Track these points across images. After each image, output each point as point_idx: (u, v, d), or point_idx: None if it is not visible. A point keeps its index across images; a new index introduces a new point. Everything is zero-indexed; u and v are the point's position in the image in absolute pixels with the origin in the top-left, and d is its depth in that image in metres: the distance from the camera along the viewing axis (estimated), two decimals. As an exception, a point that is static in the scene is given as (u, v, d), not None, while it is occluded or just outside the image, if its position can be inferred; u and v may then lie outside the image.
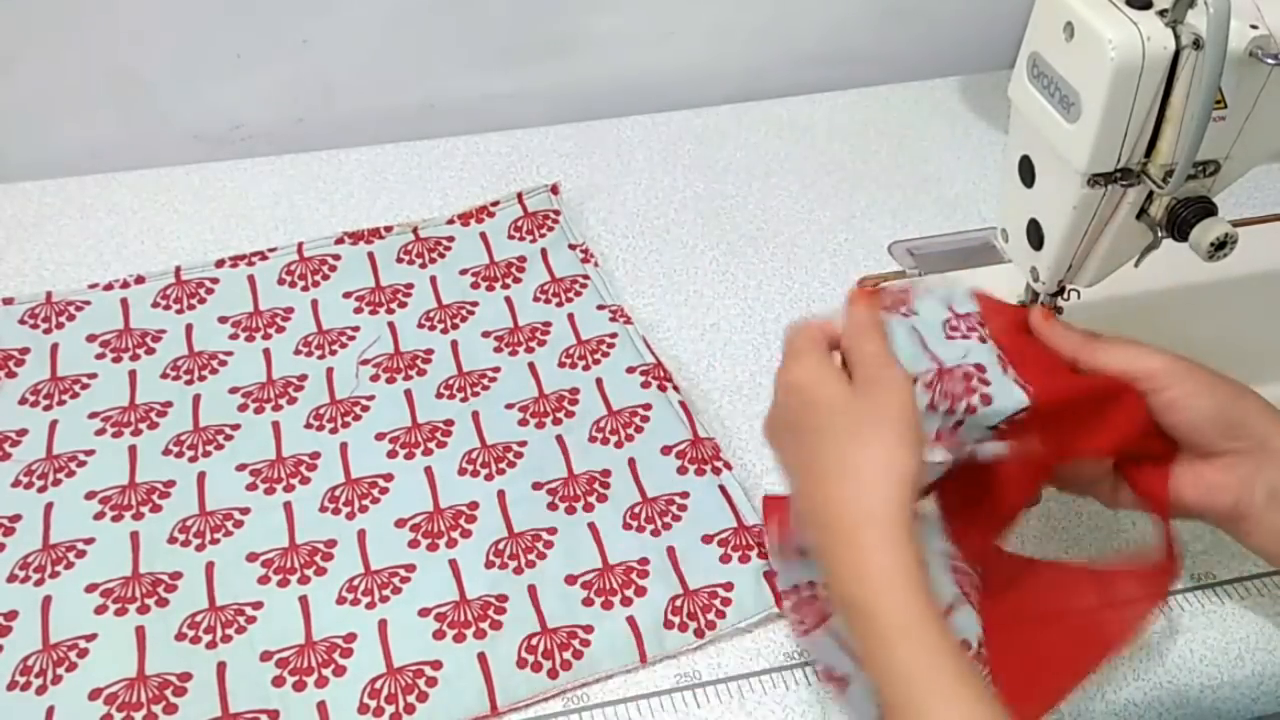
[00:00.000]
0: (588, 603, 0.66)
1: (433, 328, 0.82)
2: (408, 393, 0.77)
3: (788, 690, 0.63)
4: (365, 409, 0.76)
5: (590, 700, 0.63)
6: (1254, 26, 0.60)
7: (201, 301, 0.83)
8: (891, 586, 0.52)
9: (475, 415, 0.76)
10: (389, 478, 0.72)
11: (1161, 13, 0.60)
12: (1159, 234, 0.66)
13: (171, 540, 0.69)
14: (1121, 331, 0.81)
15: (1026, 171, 0.69)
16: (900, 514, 0.53)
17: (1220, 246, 0.64)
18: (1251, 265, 0.81)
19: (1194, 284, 0.83)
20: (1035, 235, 0.70)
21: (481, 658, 0.63)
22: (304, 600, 0.66)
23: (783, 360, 0.60)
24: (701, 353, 0.81)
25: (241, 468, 0.73)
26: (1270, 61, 0.59)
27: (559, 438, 0.74)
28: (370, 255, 0.87)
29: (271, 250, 0.87)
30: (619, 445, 0.74)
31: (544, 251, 0.87)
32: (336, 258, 0.87)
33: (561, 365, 0.79)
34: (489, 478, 0.72)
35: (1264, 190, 0.93)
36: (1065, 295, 0.74)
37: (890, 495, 0.53)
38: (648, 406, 0.75)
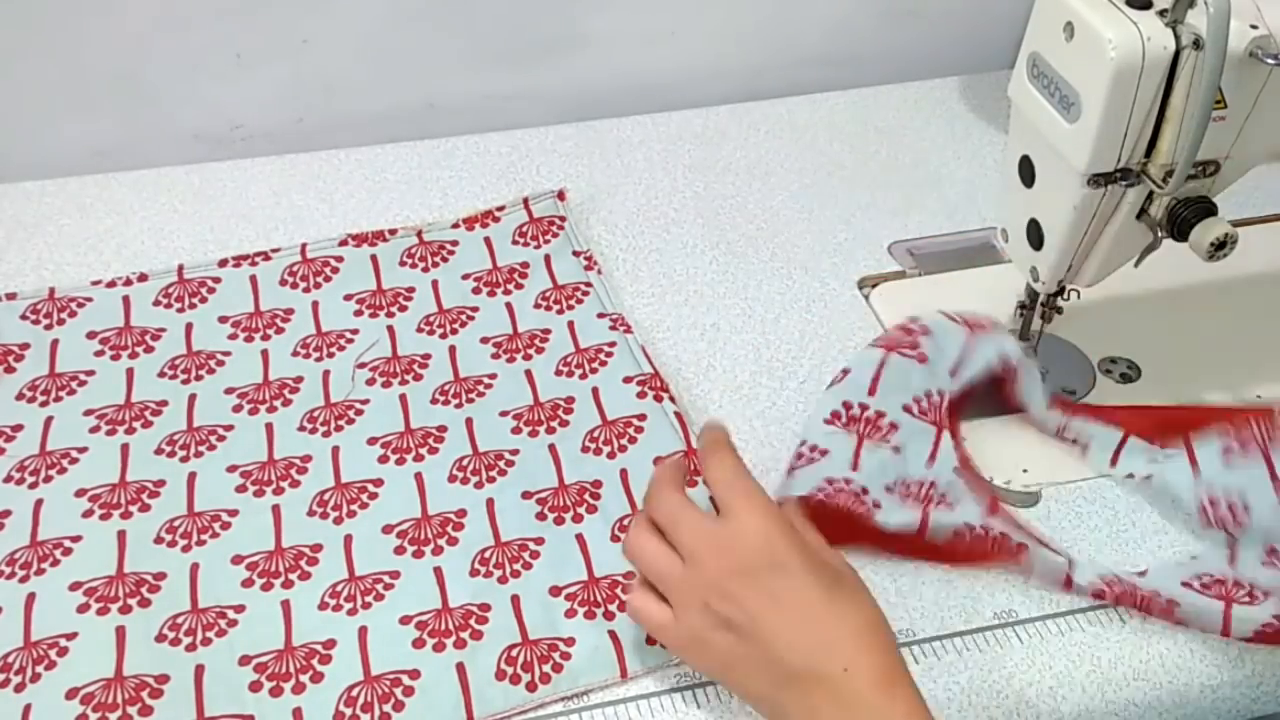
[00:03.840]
0: (570, 614, 0.65)
1: (431, 332, 0.82)
2: (402, 397, 0.77)
3: (787, 690, 0.63)
4: (359, 413, 0.76)
5: (590, 701, 0.63)
6: (1254, 26, 0.60)
7: (203, 301, 0.83)
8: None
9: (469, 422, 0.75)
10: (379, 483, 0.72)
11: (1161, 13, 0.60)
12: (1159, 234, 0.66)
13: (158, 540, 0.68)
14: (1121, 331, 0.81)
15: (1026, 171, 0.69)
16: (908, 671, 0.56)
17: (1220, 246, 0.64)
18: (1251, 265, 0.82)
19: (1194, 284, 0.83)
20: (1035, 235, 0.70)
21: (460, 668, 0.62)
22: (286, 605, 0.66)
23: (721, 499, 0.59)
24: (701, 353, 0.81)
25: (232, 469, 0.72)
26: (1270, 61, 0.59)
27: (551, 447, 0.74)
28: (373, 258, 0.87)
29: (275, 250, 0.87)
30: (611, 456, 0.73)
31: (547, 258, 0.87)
32: (339, 259, 0.87)
33: (559, 374, 0.79)
34: (479, 485, 0.72)
35: (1264, 190, 0.93)
36: (1065, 295, 0.74)
37: (898, 651, 0.56)
38: (642, 417, 0.75)
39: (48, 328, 0.81)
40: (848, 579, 0.58)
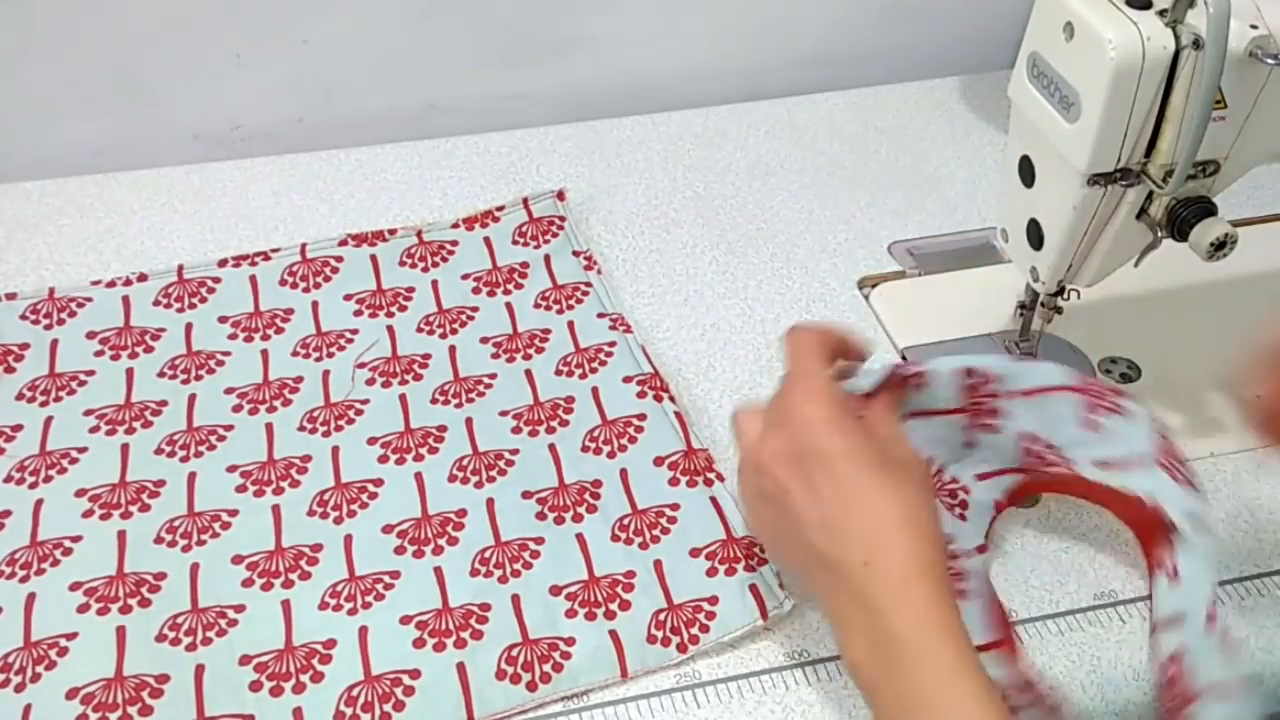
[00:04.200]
0: (570, 614, 0.65)
1: (431, 332, 0.82)
2: (402, 397, 0.77)
3: (787, 690, 0.63)
4: (359, 413, 0.76)
5: (590, 700, 0.63)
6: (1254, 26, 0.60)
7: (203, 301, 0.83)
8: (951, 630, 0.53)
9: (469, 422, 0.75)
10: (379, 483, 0.72)
11: (1161, 13, 0.60)
12: (1159, 234, 0.66)
13: (158, 540, 0.68)
14: (1121, 331, 0.81)
15: (1026, 171, 0.69)
16: (944, 566, 0.55)
17: (1220, 246, 0.64)
18: (1251, 265, 0.81)
19: (1194, 284, 0.83)
20: (1035, 235, 0.70)
21: (460, 668, 0.62)
22: (286, 604, 0.66)
23: (787, 377, 0.60)
24: (701, 353, 0.81)
25: (232, 469, 0.72)
26: (1270, 61, 0.59)
27: (551, 446, 0.74)
28: (373, 258, 0.87)
29: (275, 250, 0.87)
30: (611, 455, 0.73)
31: (547, 258, 0.87)
32: (339, 259, 0.87)
33: (559, 373, 0.79)
34: (479, 485, 0.72)
35: (1264, 190, 0.93)
36: (1065, 295, 0.74)
37: (939, 551, 0.55)
38: (642, 417, 0.75)
39: (48, 328, 0.81)
40: (895, 471, 0.57)
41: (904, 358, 0.80)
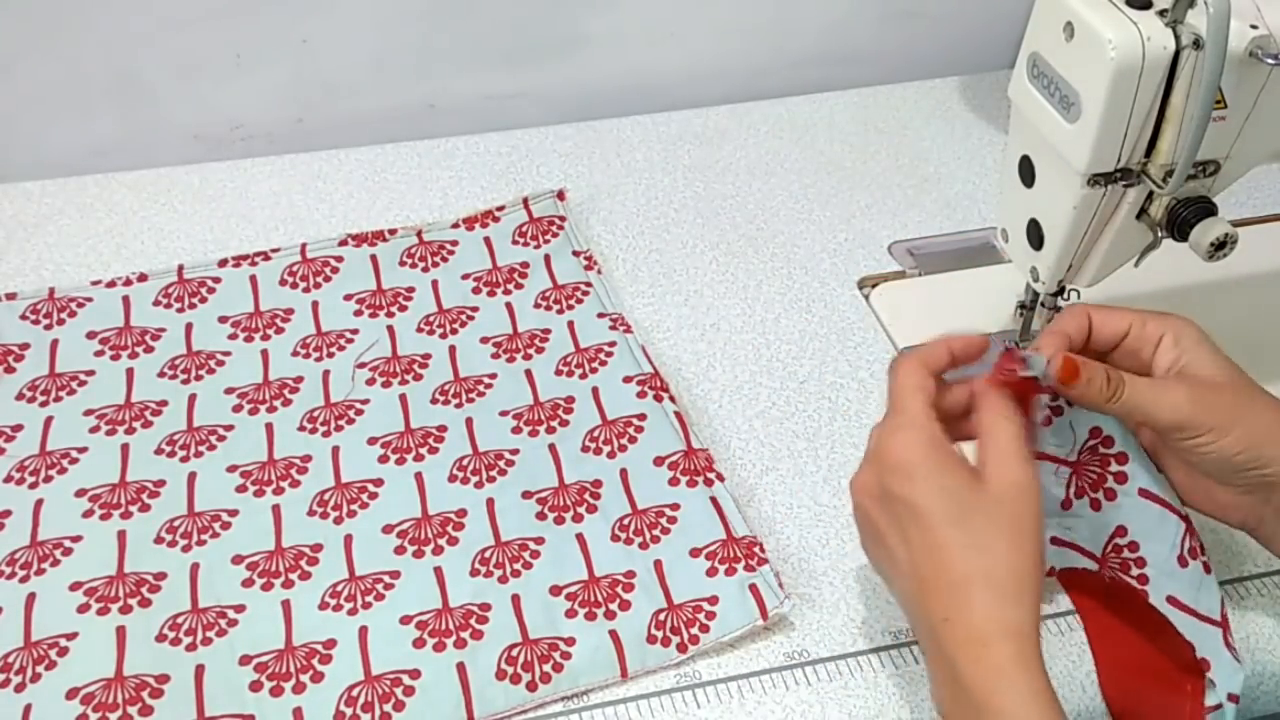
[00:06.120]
0: (570, 614, 0.65)
1: (431, 332, 0.82)
2: (402, 397, 0.77)
3: (787, 690, 0.63)
4: (359, 413, 0.76)
5: (590, 700, 0.63)
6: (1254, 26, 0.60)
7: (203, 301, 0.83)
8: (1031, 703, 0.51)
9: (469, 422, 0.75)
10: (379, 483, 0.72)
11: (1161, 13, 0.60)
12: (1159, 234, 0.66)
13: (158, 540, 0.69)
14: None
15: (1026, 171, 0.69)
16: (1036, 628, 0.53)
17: (1220, 246, 0.64)
18: (1251, 265, 0.82)
19: (1194, 284, 0.83)
20: (1035, 235, 0.70)
21: (460, 668, 0.63)
22: (286, 604, 0.66)
23: (886, 418, 0.58)
24: (701, 353, 0.81)
25: (232, 469, 0.73)
26: (1270, 61, 0.59)
27: (551, 447, 0.74)
28: (373, 258, 0.87)
29: (275, 250, 0.87)
30: (611, 455, 0.73)
31: (547, 257, 0.87)
32: (339, 259, 0.87)
33: (559, 373, 0.79)
34: (479, 485, 0.72)
35: (1264, 190, 0.93)
36: (1065, 295, 0.74)
37: (1025, 608, 0.53)
38: (642, 417, 0.75)
39: (48, 328, 0.81)
40: (986, 521, 0.54)
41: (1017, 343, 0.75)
